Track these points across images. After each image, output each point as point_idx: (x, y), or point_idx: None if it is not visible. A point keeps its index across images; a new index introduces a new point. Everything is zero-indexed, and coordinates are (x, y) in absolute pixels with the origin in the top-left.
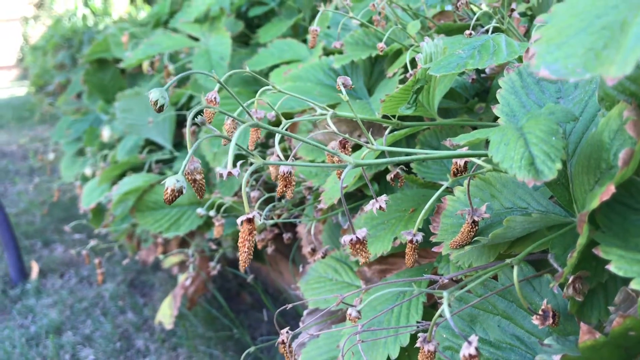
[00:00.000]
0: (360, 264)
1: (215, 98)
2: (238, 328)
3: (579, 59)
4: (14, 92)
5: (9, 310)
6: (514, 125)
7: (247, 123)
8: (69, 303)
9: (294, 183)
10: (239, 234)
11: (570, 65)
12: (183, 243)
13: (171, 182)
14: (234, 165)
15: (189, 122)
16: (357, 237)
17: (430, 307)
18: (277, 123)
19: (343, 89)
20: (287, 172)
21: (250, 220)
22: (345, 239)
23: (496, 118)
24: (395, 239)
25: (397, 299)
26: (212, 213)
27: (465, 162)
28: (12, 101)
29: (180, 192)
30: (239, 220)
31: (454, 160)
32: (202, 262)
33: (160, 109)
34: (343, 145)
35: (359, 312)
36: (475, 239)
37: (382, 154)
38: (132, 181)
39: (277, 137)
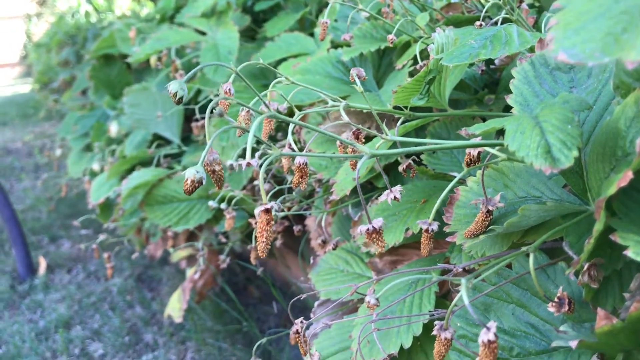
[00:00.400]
0: (376, 253)
1: (230, 89)
2: (247, 321)
3: (598, 43)
4: (18, 90)
5: (18, 305)
6: (528, 114)
7: (265, 114)
8: (77, 298)
9: (308, 174)
10: (257, 224)
11: (588, 50)
12: (190, 237)
13: (191, 173)
14: (252, 156)
15: (207, 114)
16: (373, 226)
17: (442, 297)
18: (289, 115)
19: (358, 81)
20: (302, 163)
21: (268, 211)
22: (362, 228)
23: (506, 109)
24: (407, 229)
25: (409, 289)
26: (223, 206)
27: (479, 152)
28: (16, 98)
29: (200, 182)
30: (256, 211)
31: (467, 150)
32: (210, 255)
33: (179, 101)
34: (356, 135)
35: (377, 299)
36: (490, 227)
37: (394, 145)
38: (141, 175)
39: (290, 128)
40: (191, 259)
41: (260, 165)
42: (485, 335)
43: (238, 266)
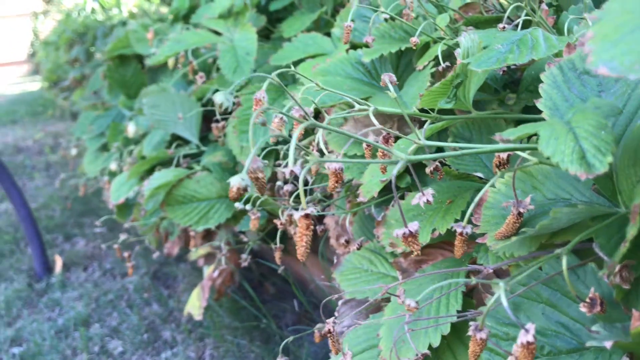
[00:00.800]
0: (401, 253)
1: (263, 97)
2: (265, 318)
3: (637, 55)
4: (26, 87)
5: (36, 303)
6: (561, 120)
7: (305, 123)
8: (94, 296)
9: (343, 179)
10: (297, 228)
11: (627, 62)
12: (207, 235)
13: (236, 180)
14: (294, 163)
15: (251, 122)
16: (409, 230)
17: (467, 295)
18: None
19: (390, 86)
20: (338, 169)
21: (307, 216)
22: (398, 232)
23: (525, 109)
24: (434, 230)
25: (437, 289)
26: (248, 207)
27: (508, 155)
28: (25, 96)
29: (245, 190)
30: (296, 216)
31: (497, 153)
32: (229, 254)
33: (225, 111)
34: (386, 139)
35: (417, 302)
36: (522, 230)
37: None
38: (162, 176)
39: (320, 133)
40: (209, 257)
41: (303, 171)
42: (524, 337)
43: (253, 263)
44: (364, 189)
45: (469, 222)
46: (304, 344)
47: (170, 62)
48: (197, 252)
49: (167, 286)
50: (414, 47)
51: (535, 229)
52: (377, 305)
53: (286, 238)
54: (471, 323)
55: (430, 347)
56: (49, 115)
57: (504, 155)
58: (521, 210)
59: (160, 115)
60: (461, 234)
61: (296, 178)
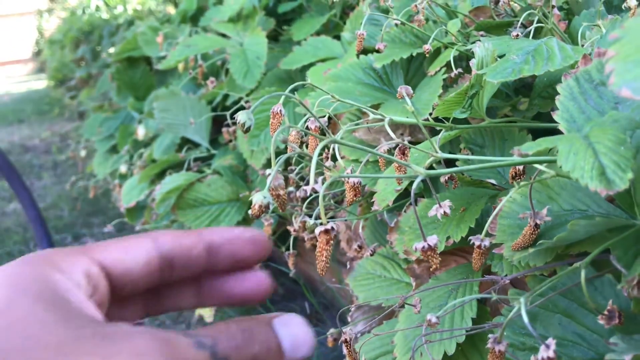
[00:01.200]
0: (414, 259)
1: (280, 110)
2: None
3: None
4: (32, 86)
5: None
6: (579, 135)
7: (326, 140)
8: None
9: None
10: (318, 243)
11: None
12: None
13: (258, 198)
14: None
15: (273, 142)
16: (429, 244)
17: (480, 302)
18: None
19: (408, 99)
20: (357, 183)
21: (327, 231)
22: (417, 245)
23: (537, 115)
24: (448, 238)
25: (450, 296)
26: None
27: (524, 167)
28: (31, 95)
29: (267, 207)
30: (316, 231)
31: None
32: None
33: (247, 130)
34: (402, 151)
35: (437, 317)
36: (539, 242)
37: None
38: (174, 180)
39: (337, 147)
40: None
41: (322, 187)
42: (544, 353)
43: (263, 265)
44: (379, 197)
45: (474, 229)
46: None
47: (181, 67)
48: None
49: None
50: (427, 55)
51: (553, 241)
52: (391, 311)
53: (295, 239)
54: (490, 335)
55: (445, 355)
56: (55, 114)
57: (520, 167)
58: (538, 222)
59: (171, 119)
60: (479, 247)
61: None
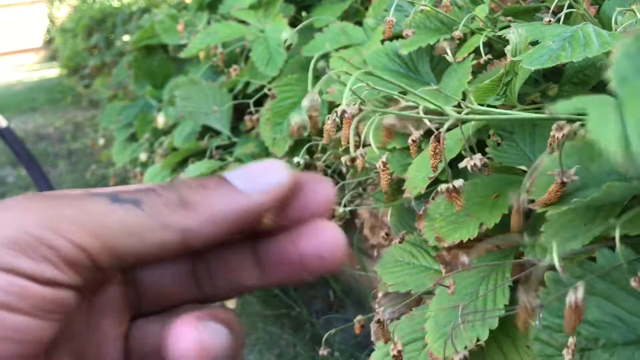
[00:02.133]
0: (444, 246)
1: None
2: (297, 305)
3: None
4: (44, 74)
5: None
6: (613, 101)
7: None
8: None
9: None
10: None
11: None
12: None
13: (296, 117)
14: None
15: (311, 67)
16: (453, 185)
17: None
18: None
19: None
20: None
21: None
22: (442, 187)
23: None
24: (481, 224)
25: (482, 282)
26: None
27: (563, 135)
28: (43, 83)
29: (304, 127)
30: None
31: (552, 133)
32: None
33: (288, 48)
34: (437, 138)
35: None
36: (573, 200)
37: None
38: (196, 168)
39: (371, 134)
40: None
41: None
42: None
43: None
44: (410, 184)
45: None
46: (337, 331)
47: (202, 55)
48: None
49: None
50: (457, 42)
51: (586, 200)
52: (418, 298)
53: None
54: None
55: (477, 340)
56: (68, 103)
57: (559, 135)
58: (565, 179)
59: (192, 107)
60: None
61: (335, 171)
